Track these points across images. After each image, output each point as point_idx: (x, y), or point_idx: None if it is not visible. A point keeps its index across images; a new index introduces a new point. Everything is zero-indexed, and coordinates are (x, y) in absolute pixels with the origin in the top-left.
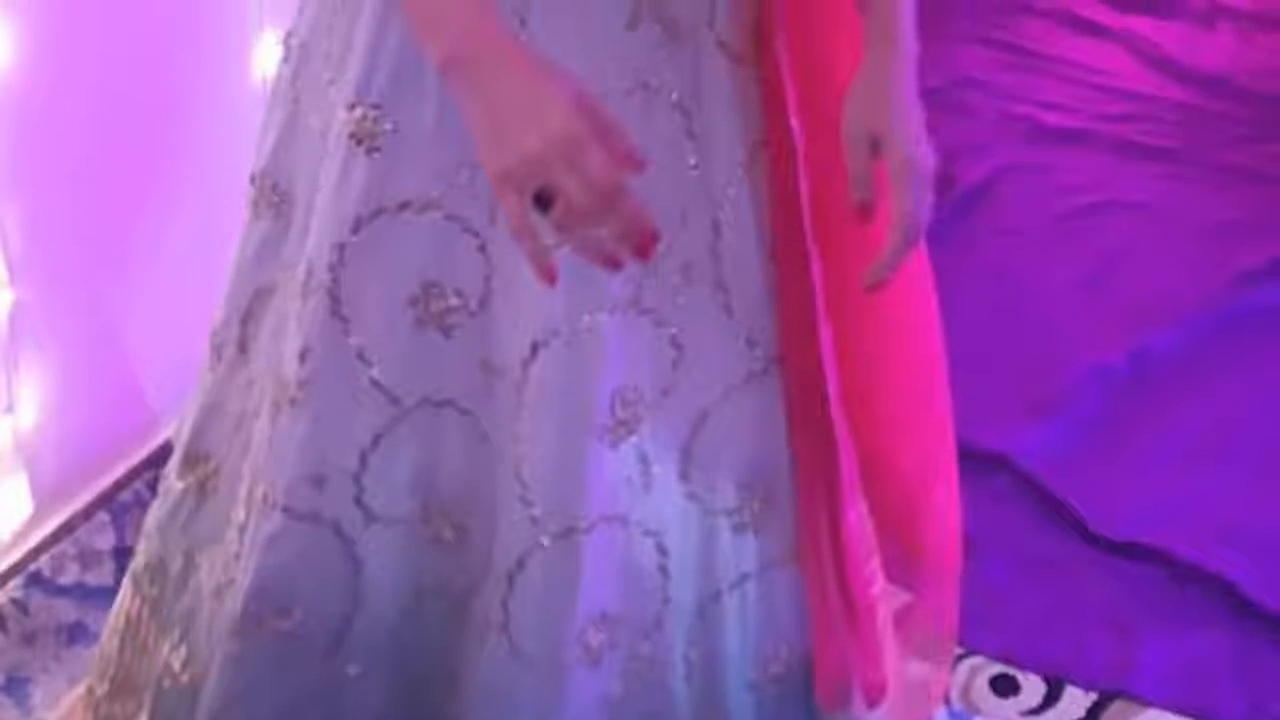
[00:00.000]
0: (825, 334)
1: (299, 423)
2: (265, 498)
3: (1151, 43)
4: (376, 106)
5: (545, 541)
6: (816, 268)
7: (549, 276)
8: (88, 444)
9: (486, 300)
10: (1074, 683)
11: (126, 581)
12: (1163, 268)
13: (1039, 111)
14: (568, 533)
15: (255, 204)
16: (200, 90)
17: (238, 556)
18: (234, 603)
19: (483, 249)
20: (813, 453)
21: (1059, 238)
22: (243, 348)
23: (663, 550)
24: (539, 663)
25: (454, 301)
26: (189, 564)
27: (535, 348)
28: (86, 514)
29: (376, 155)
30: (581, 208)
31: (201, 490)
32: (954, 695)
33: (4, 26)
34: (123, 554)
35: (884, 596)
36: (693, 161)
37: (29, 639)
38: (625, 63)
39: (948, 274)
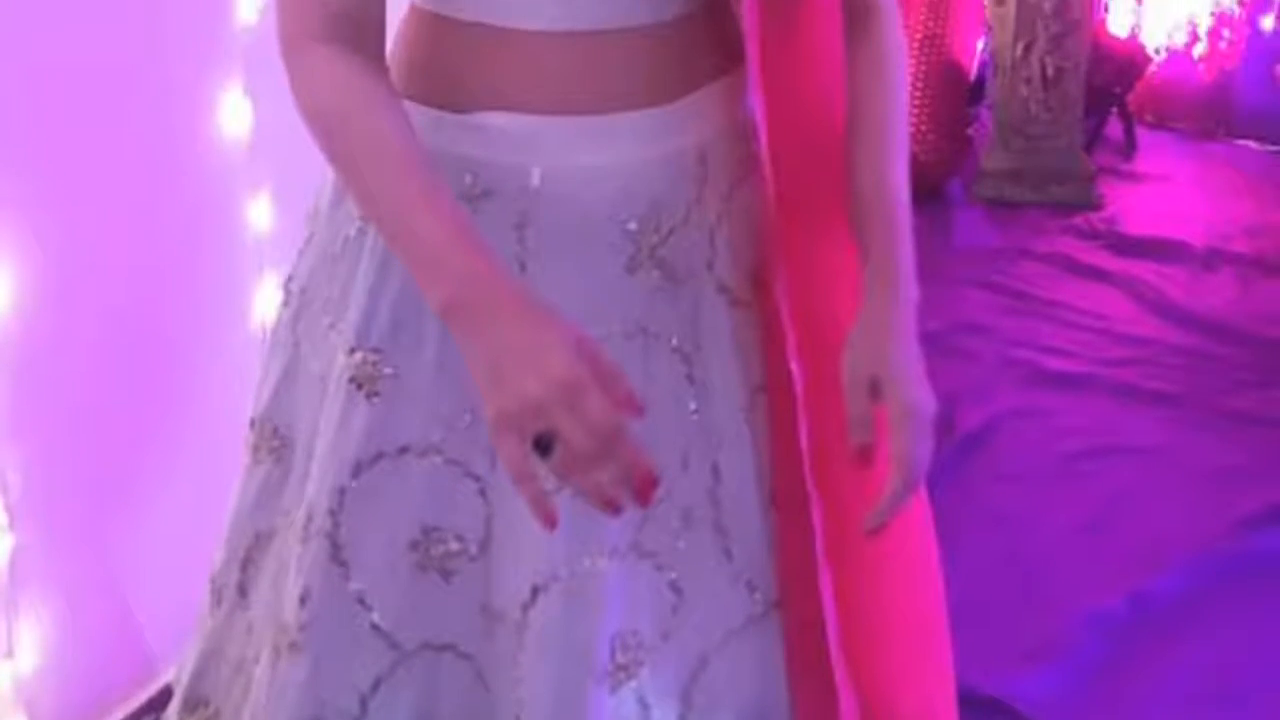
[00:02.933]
0: (825, 578)
1: (299, 668)
2: None
3: (1153, 287)
4: (377, 351)
5: None
6: (816, 511)
7: (549, 521)
8: (88, 688)
9: (487, 544)
10: None
11: None
12: (1163, 512)
13: (1040, 356)
14: None
15: (255, 449)
16: (200, 335)
17: None
18: None
19: (483, 493)
20: (813, 697)
21: (1059, 482)
22: (243, 592)
23: None
24: None
25: (454, 546)
26: None
27: (535, 591)
28: None
29: (377, 400)
30: (582, 452)
31: None
32: None
33: (4, 271)
34: None
35: None
36: (693, 406)
37: None
38: (625, 307)
39: (948, 518)
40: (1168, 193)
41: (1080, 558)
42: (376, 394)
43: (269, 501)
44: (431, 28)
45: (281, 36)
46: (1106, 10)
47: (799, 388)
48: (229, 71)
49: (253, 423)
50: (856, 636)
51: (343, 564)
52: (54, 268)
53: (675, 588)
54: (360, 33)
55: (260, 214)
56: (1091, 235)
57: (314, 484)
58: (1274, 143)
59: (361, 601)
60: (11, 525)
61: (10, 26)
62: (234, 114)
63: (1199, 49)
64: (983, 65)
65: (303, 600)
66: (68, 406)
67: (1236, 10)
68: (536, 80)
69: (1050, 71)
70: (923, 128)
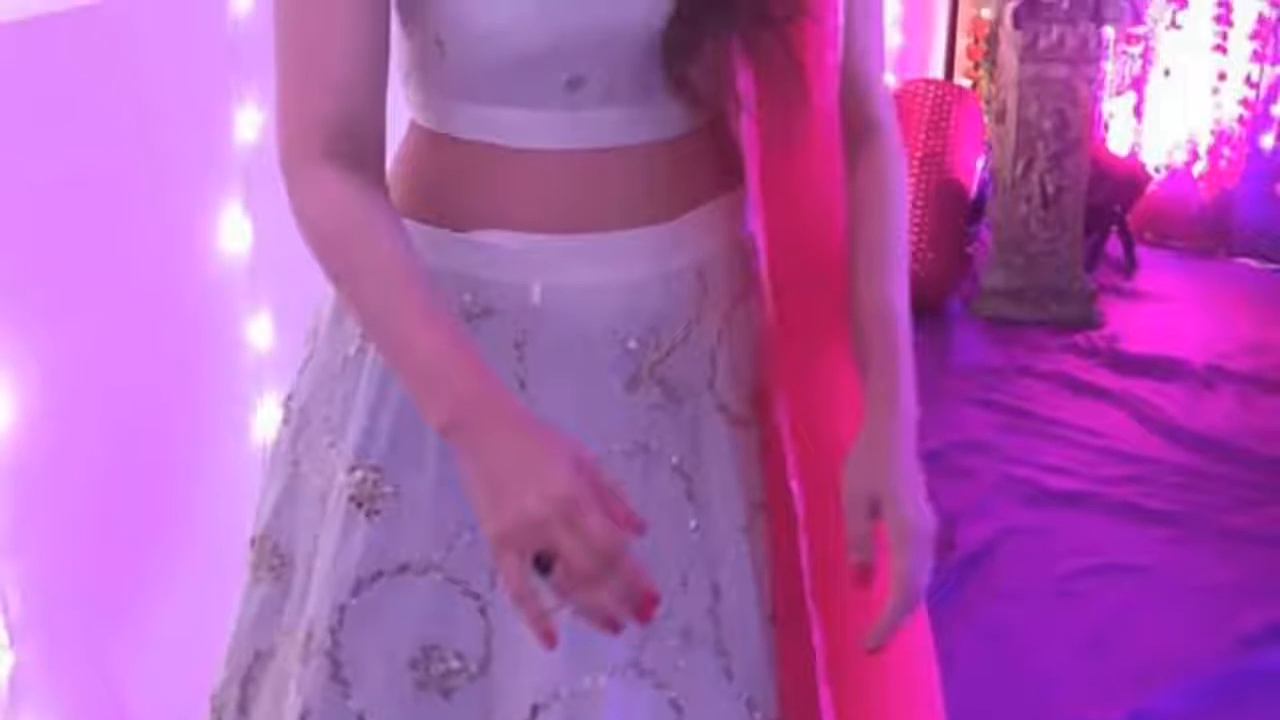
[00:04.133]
0: (825, 696)
1: None
2: None
3: (1152, 405)
4: (377, 469)
5: None
6: (817, 630)
7: (549, 640)
8: None
9: (487, 662)
10: None
11: None
12: (1164, 631)
13: (1040, 474)
14: None
15: (255, 567)
16: (199, 453)
17: None
18: None
19: (483, 611)
20: None
21: (1059, 601)
22: (243, 710)
23: None
24: None
25: (455, 664)
26: None
27: (536, 710)
28: None
29: (377, 518)
30: (581, 570)
31: None
32: None
33: (4, 388)
34: None
35: None
36: (693, 524)
37: None
38: (625, 425)
39: (948, 637)
40: (1168, 311)
41: (1081, 677)
42: (376, 512)
43: (269, 619)
44: (431, 145)
45: (281, 154)
46: (1106, 129)
47: (799, 506)
48: (228, 189)
49: (253, 541)
50: None
51: (343, 682)
52: (54, 384)
53: (675, 706)
54: (360, 150)
55: (260, 332)
56: (1091, 353)
57: (314, 602)
58: (1274, 261)
59: None
60: (11, 643)
61: (10, 142)
62: (234, 232)
63: (1199, 167)
64: (982, 183)
65: (303, 719)
66: (67, 523)
67: (1237, 129)
68: (537, 198)
69: (1050, 190)
70: (922, 246)
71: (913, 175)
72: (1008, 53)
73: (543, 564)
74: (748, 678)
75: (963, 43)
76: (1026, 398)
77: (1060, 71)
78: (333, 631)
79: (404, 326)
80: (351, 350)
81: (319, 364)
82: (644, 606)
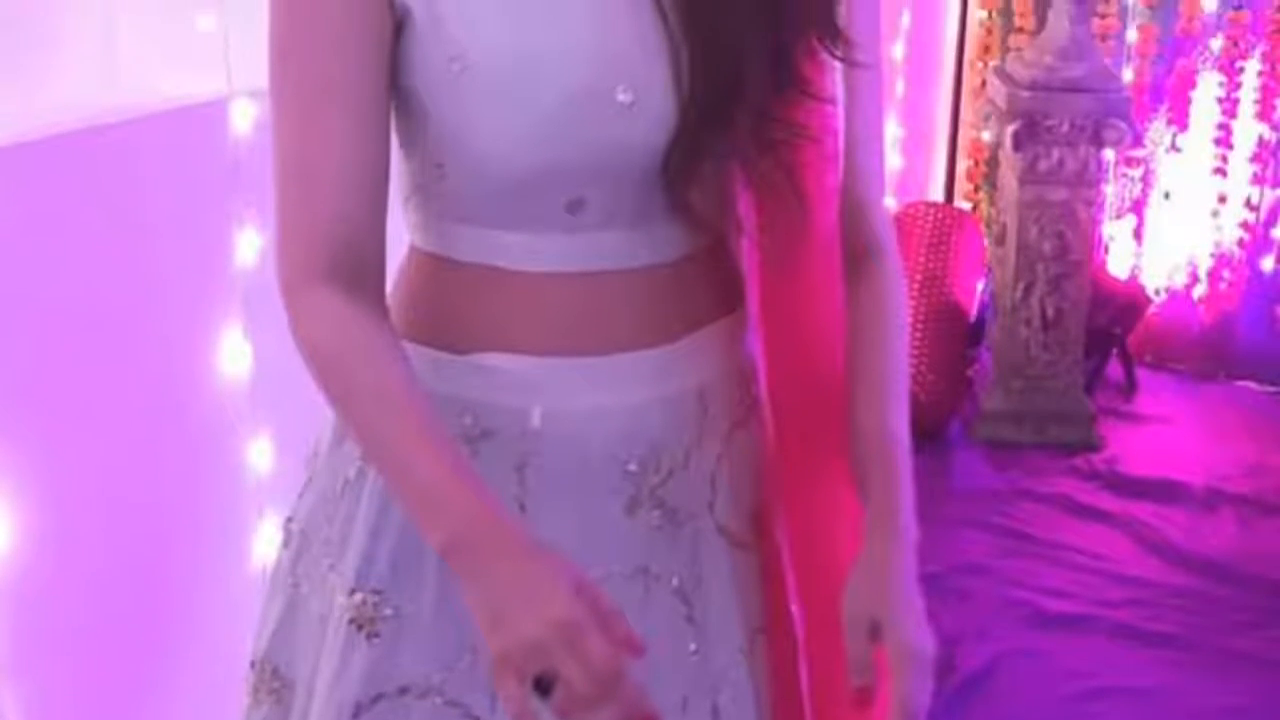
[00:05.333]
0: None
1: None
2: None
3: (1153, 528)
4: (377, 592)
5: None
6: None
7: None
8: None
9: None
10: None
11: None
12: None
13: (1039, 597)
14: None
15: (255, 690)
16: (199, 575)
17: None
18: None
19: None
20: None
21: None
22: None
23: None
24: None
25: None
26: None
27: None
28: None
29: (376, 640)
30: (581, 693)
31: None
32: None
33: (4, 509)
34: None
35: None
36: (693, 647)
37: None
38: (625, 548)
39: None
40: (1168, 433)
41: None
42: (376, 635)
43: None
44: (431, 268)
45: (281, 277)
46: (1107, 252)
47: (799, 629)
48: (228, 313)
49: (253, 664)
50: None
51: None
52: (54, 507)
53: None
54: (360, 273)
55: (260, 455)
56: (1091, 476)
57: None
58: (1274, 383)
59: None
60: None
61: (10, 264)
62: (233, 355)
63: (1199, 290)
64: (983, 306)
65: None
66: (68, 644)
67: (1237, 252)
68: (537, 321)
69: (1050, 313)
70: (922, 369)
71: (913, 298)
72: (1008, 175)
73: (543, 687)
74: None
75: (963, 165)
76: (1026, 520)
77: (1060, 194)
78: None
79: (404, 449)
80: (352, 473)
81: (319, 487)
82: None
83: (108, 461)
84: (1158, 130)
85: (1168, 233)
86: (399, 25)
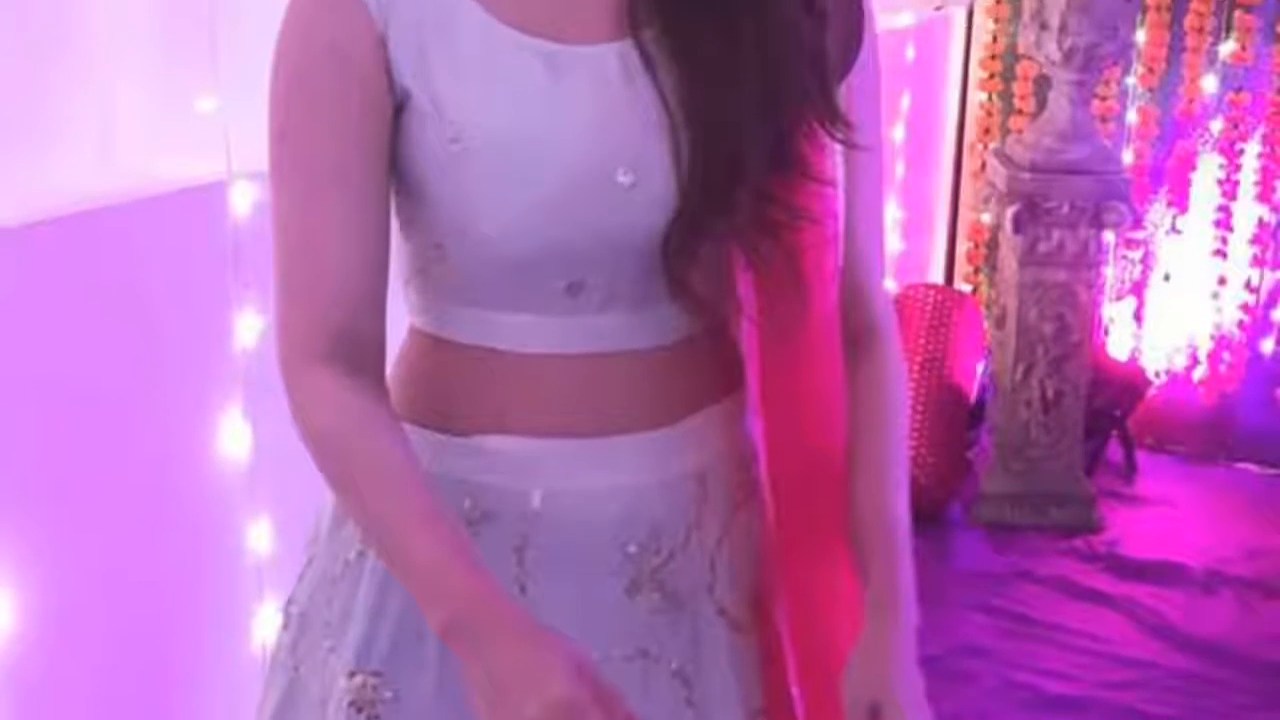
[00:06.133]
0: None
1: None
2: None
3: (1153, 610)
4: (377, 674)
5: None
6: None
7: None
8: None
9: None
10: None
11: None
12: None
13: (1040, 679)
14: None
15: None
16: (200, 658)
17: None
18: None
19: None
20: None
21: None
22: None
23: None
24: None
25: None
26: None
27: None
28: None
29: None
30: None
31: None
32: None
33: (5, 593)
34: None
35: None
36: None
37: None
38: (625, 630)
39: None
40: (1168, 515)
41: None
42: (377, 717)
43: None
44: (431, 350)
45: (281, 358)
46: (1107, 333)
47: (800, 711)
48: (228, 394)
49: None
50: None
51: None
52: (56, 589)
53: None
54: (360, 355)
55: (260, 537)
56: (1092, 558)
57: None
58: (1274, 466)
59: None
60: None
61: (10, 347)
62: (233, 437)
63: (1199, 372)
64: (983, 388)
65: None
66: None
67: (1237, 334)
68: (537, 403)
69: (1050, 394)
70: (922, 451)
71: (913, 379)
72: (1008, 257)
73: None
74: None
75: (963, 247)
76: (1026, 602)
77: (1060, 276)
78: None
79: (404, 531)
80: (352, 555)
81: (319, 569)
82: None
83: (109, 543)
84: (1158, 212)
85: (1168, 315)
86: (399, 107)
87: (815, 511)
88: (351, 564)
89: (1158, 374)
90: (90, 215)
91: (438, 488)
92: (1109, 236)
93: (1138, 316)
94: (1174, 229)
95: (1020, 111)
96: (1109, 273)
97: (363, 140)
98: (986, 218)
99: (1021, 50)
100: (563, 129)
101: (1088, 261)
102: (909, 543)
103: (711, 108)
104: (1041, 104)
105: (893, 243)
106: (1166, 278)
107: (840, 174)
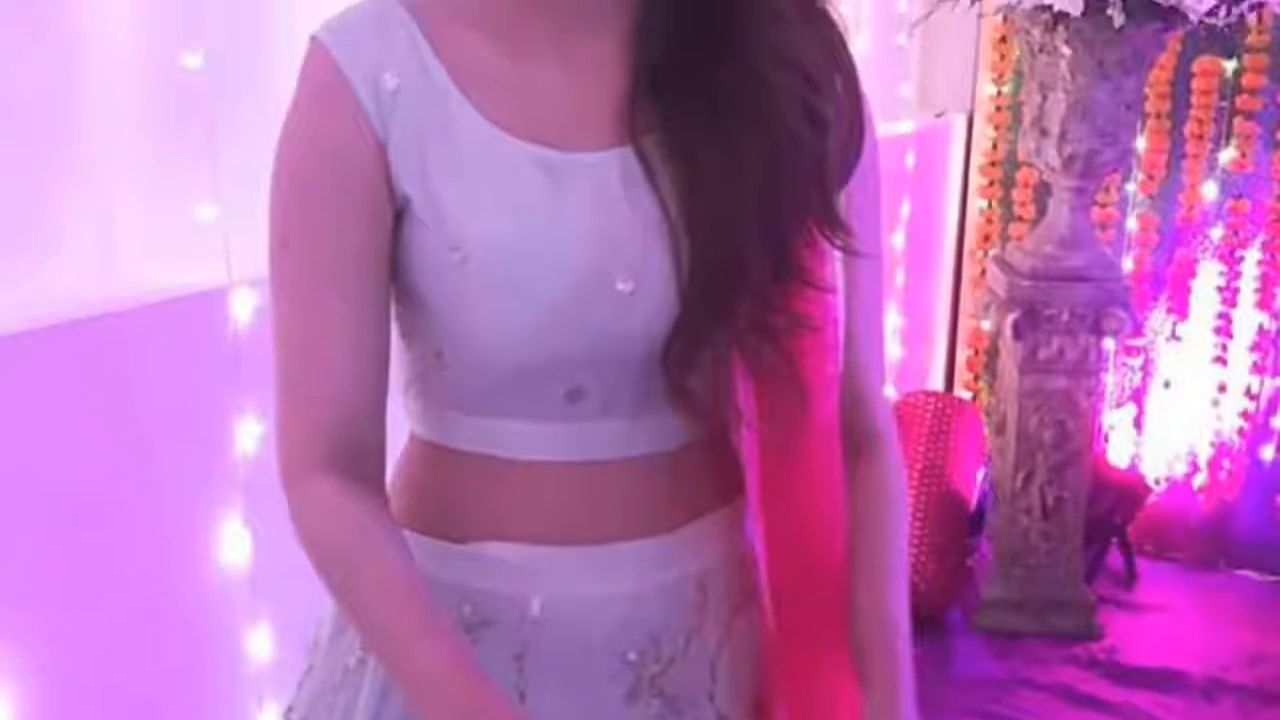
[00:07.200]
0: None
1: None
2: None
3: (1153, 717)
4: None
5: None
6: None
7: None
8: None
9: None
10: None
11: None
12: None
13: None
14: None
15: None
16: None
17: None
18: None
19: None
20: None
21: None
22: None
23: None
24: None
25: None
26: None
27: None
28: None
29: None
30: None
31: None
32: None
33: (6, 701)
34: None
35: None
36: None
37: None
38: None
39: None
40: (1168, 622)
41: None
42: None
43: None
44: (431, 457)
45: (281, 465)
46: (1107, 440)
47: None
48: (228, 501)
49: None
50: None
51: None
52: (54, 698)
53: None
54: (360, 462)
55: (260, 644)
56: (1091, 665)
57: None
58: (1274, 573)
59: None
60: None
61: (9, 454)
62: (233, 544)
63: (1199, 479)
64: (983, 495)
65: None
66: None
67: (1237, 441)
68: (536, 510)
69: (1050, 501)
70: (922, 558)
71: (913, 486)
72: (1008, 364)
73: None
74: None
75: (963, 355)
76: (1027, 709)
77: (1060, 383)
78: None
79: (404, 638)
80: (352, 661)
81: (319, 676)
82: None
83: (108, 649)
84: (1158, 319)
85: (1168, 422)
86: (399, 214)
87: (815, 618)
88: (352, 671)
89: (1158, 481)
90: (90, 322)
91: (438, 594)
92: (1109, 343)
93: (1138, 423)
94: (1174, 336)
95: (1020, 218)
96: (1109, 380)
97: (363, 246)
98: (986, 325)
99: (1022, 157)
100: (564, 237)
101: (1088, 368)
102: (909, 649)
103: (712, 214)
104: (1041, 211)
105: (893, 349)
106: (1166, 385)
107: (840, 280)
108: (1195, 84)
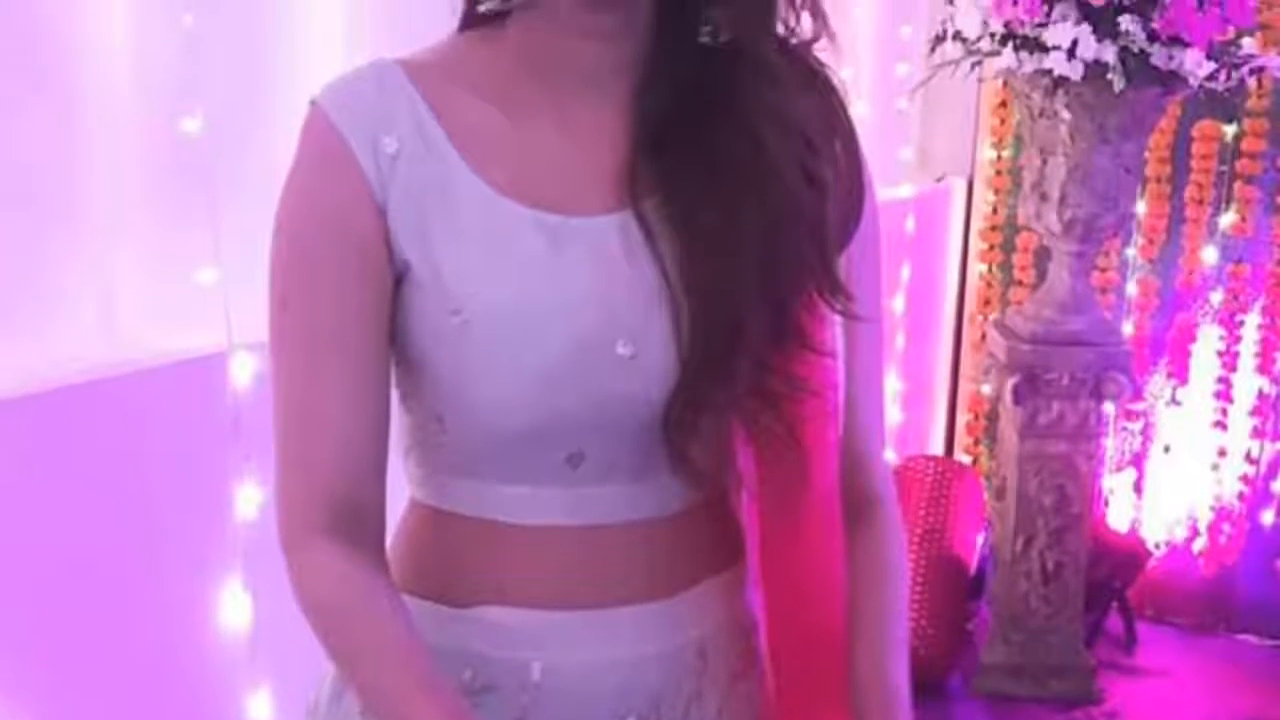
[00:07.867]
0: None
1: None
2: None
3: None
4: None
5: None
6: None
7: None
8: None
9: None
10: None
11: None
12: None
13: None
14: None
15: None
16: None
17: None
18: None
19: None
20: None
21: None
22: None
23: None
24: None
25: None
26: None
27: None
28: None
29: None
30: None
31: None
32: None
33: None
34: None
35: None
36: None
37: None
38: None
39: None
40: (1168, 687)
41: None
42: None
43: None
44: (431, 521)
45: (281, 530)
46: (1107, 505)
47: None
48: (228, 565)
49: None
50: None
51: None
52: None
53: None
54: (360, 526)
55: (260, 708)
56: None
57: None
58: (1275, 637)
59: None
60: None
61: (8, 518)
62: (233, 608)
63: (1199, 544)
64: (983, 559)
65: None
66: None
67: (1237, 505)
68: (536, 575)
69: (1050, 566)
70: (922, 622)
71: (913, 551)
72: (1008, 429)
73: None
74: None
75: (963, 419)
76: None
77: (1060, 448)
78: None
79: (405, 703)
80: None
81: None
82: None
83: (110, 714)
84: (1158, 383)
85: (1168, 486)
86: (399, 278)
87: (816, 683)
88: None
89: (1158, 545)
90: (90, 386)
91: (438, 659)
92: (1109, 408)
93: (1138, 488)
94: (1174, 400)
95: (1020, 283)
96: (1109, 444)
97: (363, 309)
98: (987, 389)
99: (1021, 221)
100: (564, 301)
101: (1088, 433)
102: (909, 713)
103: (711, 278)
104: (1041, 275)
105: (893, 414)
106: (1166, 449)
107: (840, 345)
108: (1195, 148)
